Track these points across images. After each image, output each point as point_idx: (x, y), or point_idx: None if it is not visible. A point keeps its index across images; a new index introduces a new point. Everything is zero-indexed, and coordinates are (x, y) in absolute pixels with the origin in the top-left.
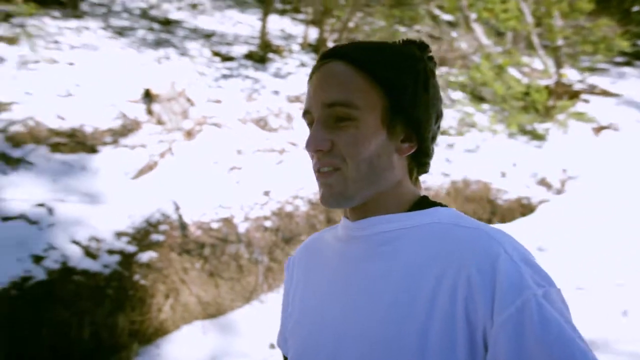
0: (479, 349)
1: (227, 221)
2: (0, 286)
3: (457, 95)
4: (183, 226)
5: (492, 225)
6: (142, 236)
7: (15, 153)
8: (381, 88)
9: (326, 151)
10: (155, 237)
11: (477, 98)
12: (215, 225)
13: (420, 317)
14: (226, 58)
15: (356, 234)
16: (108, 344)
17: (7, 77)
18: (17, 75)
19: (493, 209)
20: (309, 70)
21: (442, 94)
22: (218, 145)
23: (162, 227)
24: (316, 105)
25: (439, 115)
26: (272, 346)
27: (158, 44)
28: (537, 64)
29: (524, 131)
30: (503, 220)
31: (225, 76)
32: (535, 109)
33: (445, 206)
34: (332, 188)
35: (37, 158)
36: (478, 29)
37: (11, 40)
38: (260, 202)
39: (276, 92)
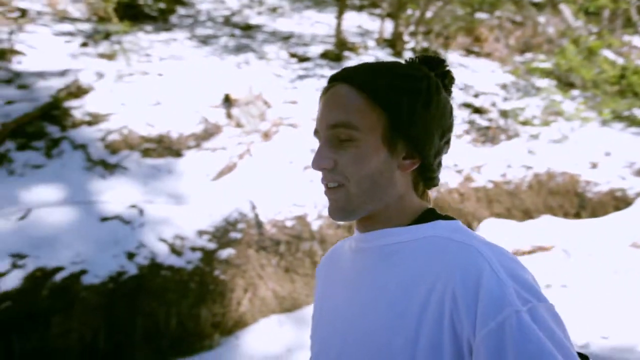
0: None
1: (301, 219)
2: (100, 280)
3: (543, 82)
4: (259, 224)
5: (487, 240)
6: (222, 234)
7: (112, 159)
8: (380, 109)
9: (330, 169)
10: (234, 235)
11: (566, 84)
12: (289, 223)
13: (411, 327)
14: (302, 59)
15: (363, 246)
16: (193, 333)
17: (106, 90)
18: (114, 88)
19: (581, 203)
20: None
21: (525, 82)
22: (293, 145)
23: (240, 226)
24: (322, 126)
25: (445, 131)
26: None
27: (238, 49)
28: (638, 42)
29: (619, 117)
30: (594, 214)
31: (301, 77)
32: (633, 92)
33: (452, 219)
34: (337, 203)
35: (130, 163)
36: (566, 10)
37: (110, 57)
38: None
39: None
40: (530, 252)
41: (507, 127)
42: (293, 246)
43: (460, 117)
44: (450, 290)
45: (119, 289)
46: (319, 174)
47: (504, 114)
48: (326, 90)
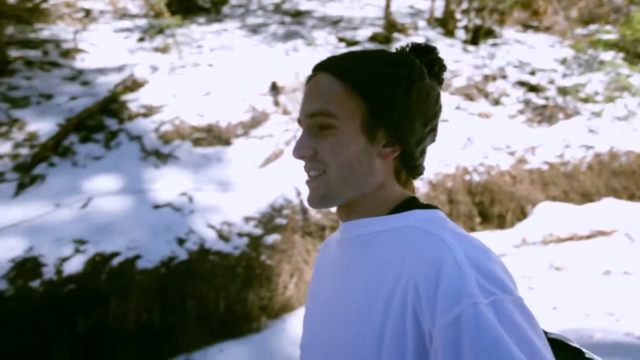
0: (427, 352)
1: None
2: (153, 265)
3: (607, 55)
4: (304, 210)
5: (459, 230)
6: (268, 220)
7: (165, 149)
8: (359, 96)
9: (310, 157)
10: (279, 220)
11: (634, 56)
12: (333, 209)
13: (378, 318)
14: (351, 43)
15: (345, 235)
16: (241, 316)
17: (160, 83)
18: (167, 80)
19: None
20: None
21: (587, 56)
22: None
23: (285, 212)
24: (303, 115)
25: (429, 118)
26: None
27: (287, 36)
28: None
29: None
30: None
31: None
32: None
33: (433, 208)
34: (316, 191)
35: (181, 152)
36: None
37: (164, 50)
38: None
39: None
40: (588, 237)
41: (566, 104)
42: None
43: (514, 96)
44: (412, 281)
45: (170, 273)
46: None
47: (562, 91)
48: (309, 80)
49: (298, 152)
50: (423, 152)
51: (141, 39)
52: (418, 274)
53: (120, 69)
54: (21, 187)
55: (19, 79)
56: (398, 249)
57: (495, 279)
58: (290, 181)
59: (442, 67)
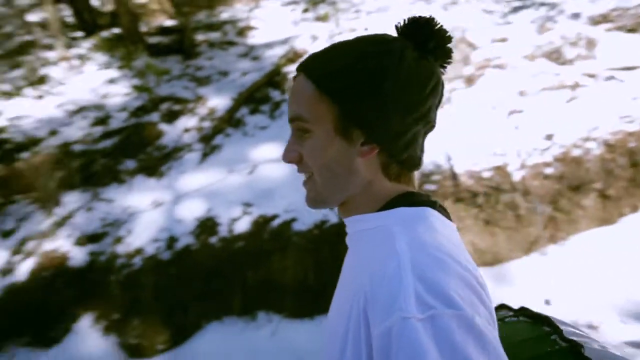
0: None
1: (500, 169)
2: (307, 227)
3: None
4: (454, 176)
5: (426, 234)
6: (418, 186)
7: None
8: (328, 98)
9: (298, 161)
10: (428, 187)
11: None
12: (486, 174)
13: (344, 324)
14: None
15: (347, 232)
16: None
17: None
18: None
19: None
20: None
21: None
22: (499, 89)
23: (435, 177)
24: (288, 119)
25: (412, 106)
26: (547, 302)
27: None
28: None
29: None
30: None
31: (515, 9)
32: None
33: (428, 205)
34: (309, 193)
35: None
36: None
37: (323, 19)
38: (541, 147)
39: (576, 16)
40: None
41: None
42: (492, 198)
43: None
44: (362, 287)
45: (322, 235)
46: (525, 119)
47: None
48: (293, 81)
49: (285, 157)
50: (409, 144)
51: (305, 10)
52: (367, 279)
53: (284, 41)
54: (204, 156)
55: (203, 60)
56: (370, 249)
57: (439, 291)
58: (441, 146)
59: (442, 40)
